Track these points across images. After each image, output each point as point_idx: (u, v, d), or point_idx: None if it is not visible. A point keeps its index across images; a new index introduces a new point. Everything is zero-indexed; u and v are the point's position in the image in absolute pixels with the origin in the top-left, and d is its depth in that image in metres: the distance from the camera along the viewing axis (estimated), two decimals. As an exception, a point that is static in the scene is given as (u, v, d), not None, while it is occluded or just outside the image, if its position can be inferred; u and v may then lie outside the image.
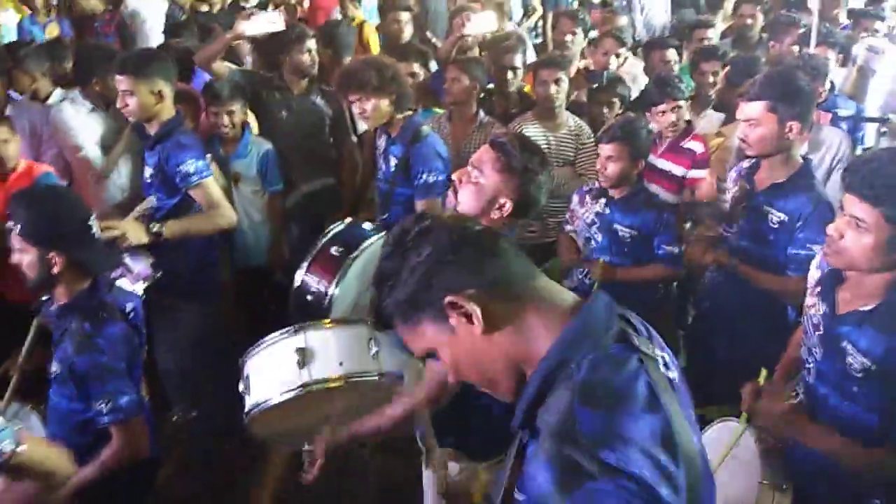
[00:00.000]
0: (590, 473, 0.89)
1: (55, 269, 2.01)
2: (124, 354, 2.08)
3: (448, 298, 1.03)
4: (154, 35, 5.85)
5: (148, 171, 3.02)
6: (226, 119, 3.43)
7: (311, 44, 3.71)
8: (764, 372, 2.01)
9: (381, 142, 3.11)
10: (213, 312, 3.25)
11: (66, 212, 2.08)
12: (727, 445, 1.91)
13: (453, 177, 2.01)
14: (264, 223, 3.59)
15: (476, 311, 1.02)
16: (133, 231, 2.61)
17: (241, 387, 2.09)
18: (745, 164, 2.66)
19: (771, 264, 2.48)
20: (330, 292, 2.48)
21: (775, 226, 2.46)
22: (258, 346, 2.09)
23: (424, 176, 2.88)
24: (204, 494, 3.06)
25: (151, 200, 2.91)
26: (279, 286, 3.60)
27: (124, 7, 5.83)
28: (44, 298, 2.33)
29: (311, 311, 2.46)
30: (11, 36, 5.42)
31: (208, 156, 3.06)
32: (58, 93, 3.62)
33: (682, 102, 3.27)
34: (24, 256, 2.03)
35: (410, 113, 3.02)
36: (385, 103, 2.91)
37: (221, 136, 3.48)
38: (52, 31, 5.16)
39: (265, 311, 3.64)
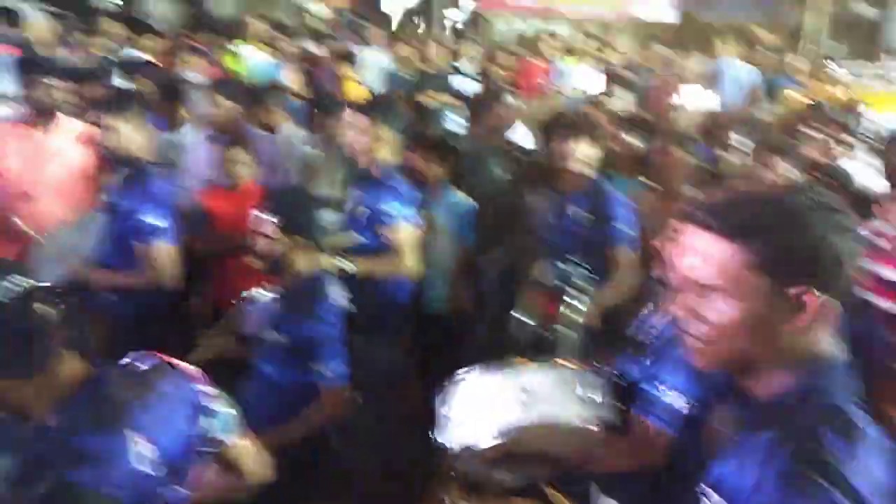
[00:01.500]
0: (826, 485, 0.93)
1: (295, 257, 2.43)
2: (342, 330, 2.43)
3: (806, 292, 1.02)
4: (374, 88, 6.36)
5: (357, 207, 3.18)
6: (430, 167, 3.57)
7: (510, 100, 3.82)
8: None
9: (546, 197, 3.18)
10: (395, 351, 3.32)
11: (314, 207, 2.52)
12: None
13: (655, 243, 1.99)
14: (452, 272, 3.65)
15: (809, 317, 1.02)
16: (326, 263, 2.73)
17: (442, 420, 2.06)
18: None
19: None
20: (555, 328, 2.67)
21: None
22: (463, 379, 2.07)
23: (620, 225, 3.03)
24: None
25: (350, 238, 3.05)
26: (456, 334, 3.71)
27: (353, 60, 6.46)
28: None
29: (532, 344, 2.70)
30: (255, 72, 6.09)
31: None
32: (287, 126, 3.96)
33: None
34: (275, 245, 2.41)
35: None
36: (596, 152, 3.05)
37: (424, 183, 3.60)
38: (289, 73, 5.74)
39: (440, 355, 3.65)
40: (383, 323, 3.16)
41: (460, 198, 3.66)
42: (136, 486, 1.28)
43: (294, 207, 2.47)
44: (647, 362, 1.95)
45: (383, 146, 3.10)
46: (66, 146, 3.53)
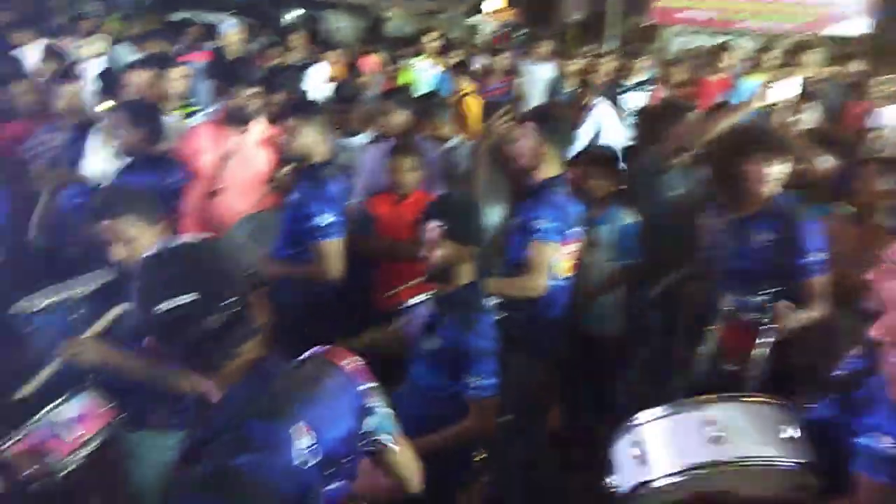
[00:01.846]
0: None
1: (456, 265, 2.41)
2: (495, 342, 2.37)
3: None
4: (534, 99, 6.35)
5: (514, 219, 3.15)
6: (594, 183, 3.47)
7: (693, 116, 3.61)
8: None
9: (726, 219, 2.95)
10: (544, 369, 3.24)
11: (479, 217, 2.52)
12: None
13: (869, 276, 1.75)
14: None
15: None
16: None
17: (617, 461, 1.98)
18: None
19: None
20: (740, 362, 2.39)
21: None
22: (641, 423, 1.95)
23: (817, 255, 2.75)
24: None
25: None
26: (613, 357, 3.61)
27: (519, 74, 6.49)
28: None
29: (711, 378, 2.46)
30: (426, 84, 6.27)
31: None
32: (456, 139, 4.03)
33: None
34: (438, 251, 2.41)
35: None
36: (785, 172, 2.80)
37: (591, 200, 3.50)
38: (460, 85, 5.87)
39: (594, 377, 3.58)
40: (533, 339, 3.08)
41: (625, 214, 3.54)
42: (295, 477, 1.29)
43: (458, 216, 2.46)
44: (839, 400, 1.78)
45: (547, 159, 3.04)
46: (253, 147, 3.80)
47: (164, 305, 1.25)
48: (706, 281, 3.06)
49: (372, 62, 6.96)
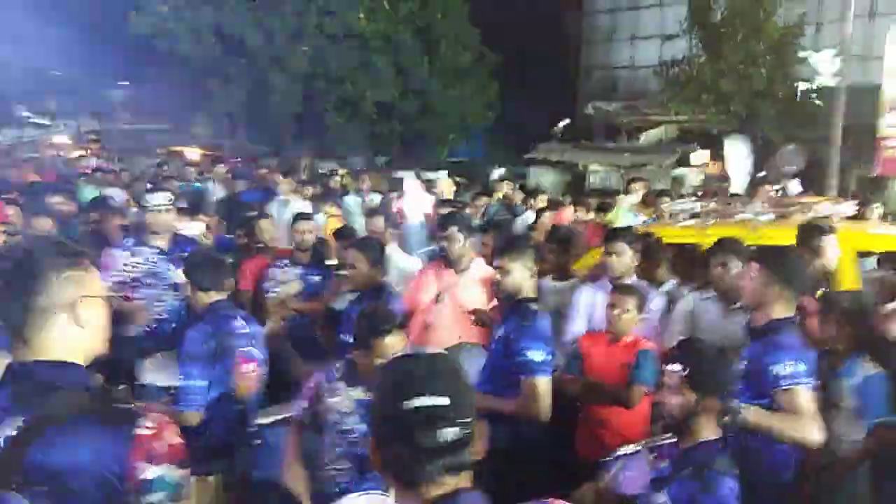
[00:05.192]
0: None
1: (697, 416, 2.26)
2: None
3: None
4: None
5: (743, 363, 2.91)
6: (840, 332, 3.13)
7: None
8: None
9: None
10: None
11: (726, 365, 2.38)
12: None
13: None
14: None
15: None
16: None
17: None
18: None
19: None
20: None
21: None
22: None
23: None
24: None
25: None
26: None
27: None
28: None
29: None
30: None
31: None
32: (671, 283, 3.92)
33: None
34: (677, 398, 2.27)
35: None
36: None
37: (829, 350, 3.14)
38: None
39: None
40: (760, 497, 2.72)
41: (868, 365, 3.08)
42: None
43: (702, 362, 2.29)
44: None
45: (778, 301, 2.83)
46: (468, 285, 3.96)
47: (416, 402, 1.22)
48: None
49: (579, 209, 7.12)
